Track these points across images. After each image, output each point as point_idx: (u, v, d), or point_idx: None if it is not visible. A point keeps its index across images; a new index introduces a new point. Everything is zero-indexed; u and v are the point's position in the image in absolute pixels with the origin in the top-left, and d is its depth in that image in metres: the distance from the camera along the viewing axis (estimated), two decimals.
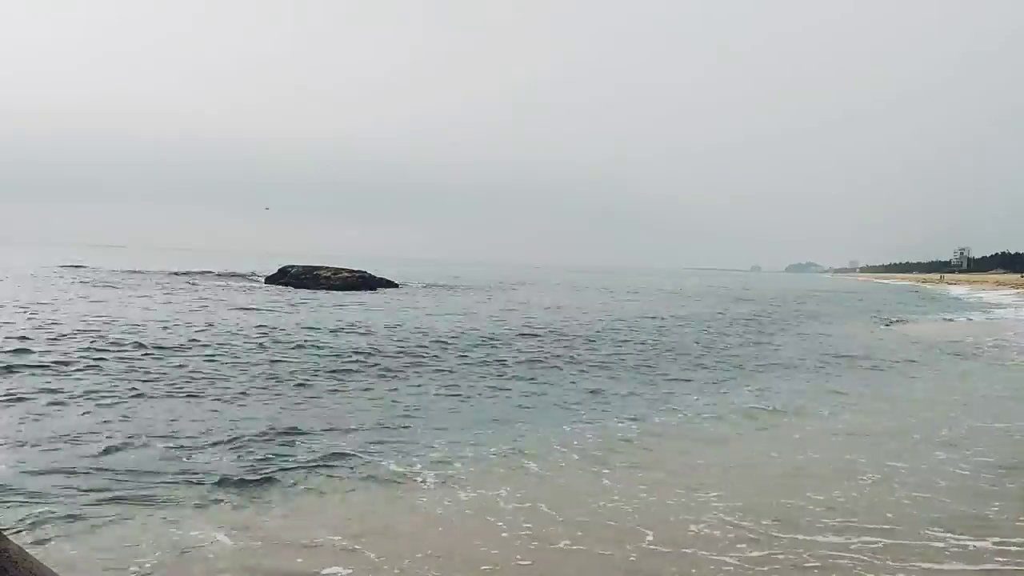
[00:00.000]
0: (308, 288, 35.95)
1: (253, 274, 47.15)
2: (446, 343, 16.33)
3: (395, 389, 11.05)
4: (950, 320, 32.76)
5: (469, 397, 10.76)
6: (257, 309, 23.27)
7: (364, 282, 37.85)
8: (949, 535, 5.72)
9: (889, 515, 6.12)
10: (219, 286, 36.09)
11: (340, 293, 33.31)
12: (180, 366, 11.90)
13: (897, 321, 30.88)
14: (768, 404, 11.00)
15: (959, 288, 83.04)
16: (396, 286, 41.89)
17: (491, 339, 17.50)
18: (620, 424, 9.35)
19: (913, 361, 17.02)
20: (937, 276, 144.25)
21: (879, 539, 5.63)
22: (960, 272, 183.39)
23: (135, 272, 46.69)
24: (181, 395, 9.84)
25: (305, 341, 15.53)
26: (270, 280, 41.01)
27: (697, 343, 19.16)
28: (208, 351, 13.57)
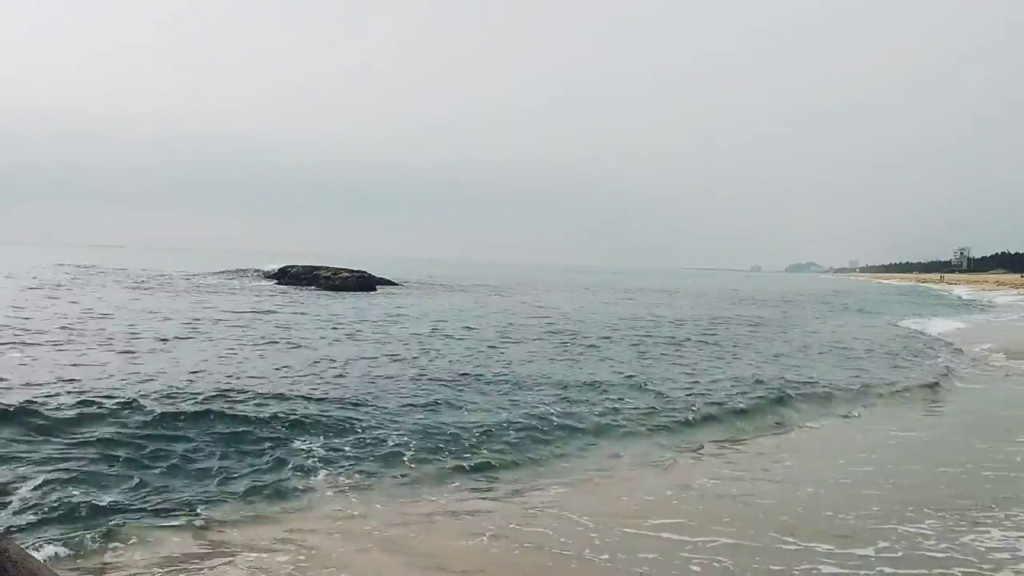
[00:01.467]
0: (308, 288, 36.00)
1: (256, 271, 47.12)
2: (430, 346, 16.01)
3: (358, 389, 10.83)
4: (957, 324, 32.70)
5: (429, 405, 10.11)
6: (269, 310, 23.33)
7: (364, 282, 37.85)
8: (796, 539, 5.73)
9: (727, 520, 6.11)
10: (233, 285, 36.14)
11: (339, 293, 33.35)
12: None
13: (904, 324, 30.84)
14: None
15: (961, 288, 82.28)
16: (396, 286, 41.97)
17: (475, 343, 17.04)
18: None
19: (896, 368, 17.00)
20: (937, 276, 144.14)
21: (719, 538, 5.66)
22: (960, 272, 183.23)
23: (161, 275, 46.74)
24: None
25: (282, 340, 15.59)
26: (269, 278, 41.15)
27: (665, 353, 18.15)
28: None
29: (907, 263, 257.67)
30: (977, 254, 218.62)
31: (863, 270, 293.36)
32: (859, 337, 22.47)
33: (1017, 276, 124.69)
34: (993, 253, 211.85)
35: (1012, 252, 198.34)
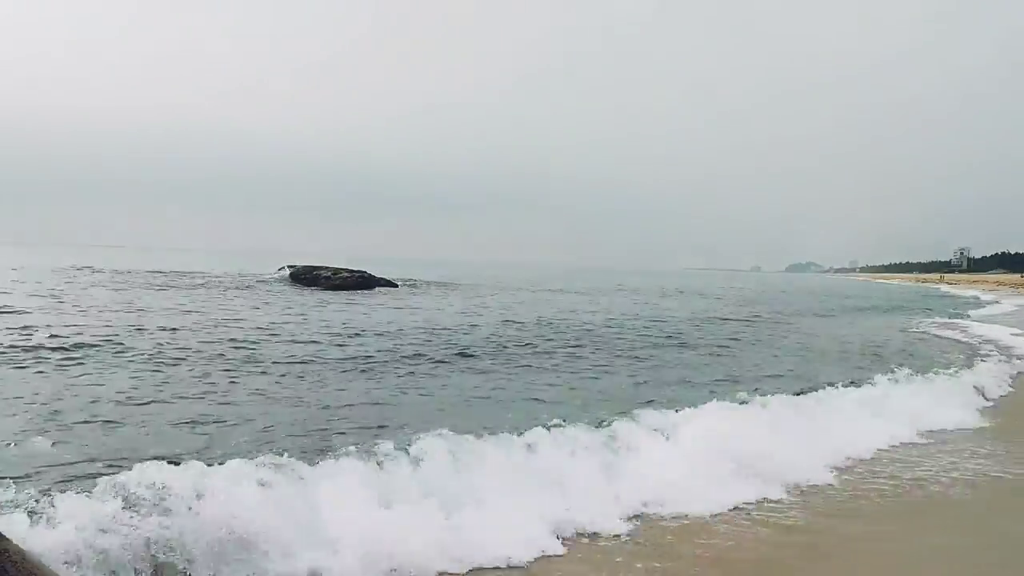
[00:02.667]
0: (308, 287, 36.02)
1: (262, 274, 47.10)
2: (417, 347, 15.53)
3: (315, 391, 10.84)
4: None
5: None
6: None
7: (364, 282, 37.86)
8: None
9: None
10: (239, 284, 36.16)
11: (338, 293, 33.36)
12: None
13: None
14: None
15: (963, 289, 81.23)
16: (395, 286, 41.92)
17: (464, 343, 16.52)
18: None
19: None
20: (937, 276, 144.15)
21: None
22: (960, 272, 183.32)
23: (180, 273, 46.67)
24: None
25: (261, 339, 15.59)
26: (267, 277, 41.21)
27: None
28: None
29: (907, 263, 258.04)
30: (977, 254, 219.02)
31: (863, 270, 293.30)
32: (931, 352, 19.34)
33: (1017, 276, 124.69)
34: (993, 253, 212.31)
35: (1012, 252, 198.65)
